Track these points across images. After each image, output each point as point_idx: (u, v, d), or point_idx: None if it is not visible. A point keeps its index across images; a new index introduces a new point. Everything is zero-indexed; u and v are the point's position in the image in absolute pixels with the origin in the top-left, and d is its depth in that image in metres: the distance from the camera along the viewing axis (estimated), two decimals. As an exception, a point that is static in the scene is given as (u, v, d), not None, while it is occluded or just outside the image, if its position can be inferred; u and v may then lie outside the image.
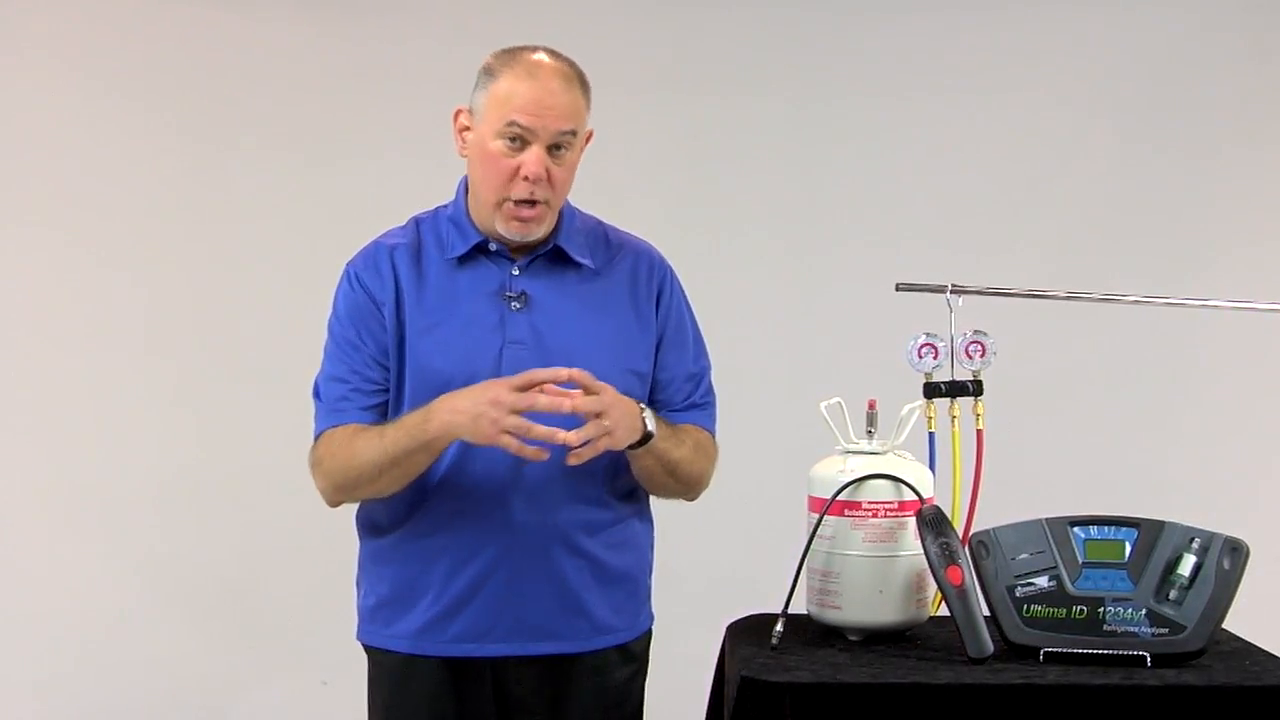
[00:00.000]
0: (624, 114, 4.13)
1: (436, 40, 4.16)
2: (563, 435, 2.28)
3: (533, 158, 2.39)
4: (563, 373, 2.31)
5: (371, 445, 2.40)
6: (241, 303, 4.19)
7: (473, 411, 2.30)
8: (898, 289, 2.84)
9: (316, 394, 2.52)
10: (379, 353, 2.48)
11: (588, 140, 2.51)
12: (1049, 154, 4.30)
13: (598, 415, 2.30)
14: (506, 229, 2.45)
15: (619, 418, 2.34)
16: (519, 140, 2.40)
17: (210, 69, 4.20)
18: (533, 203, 2.42)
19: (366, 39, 4.23)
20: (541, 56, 2.44)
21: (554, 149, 2.41)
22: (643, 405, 2.43)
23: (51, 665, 4.14)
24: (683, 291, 2.62)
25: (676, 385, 2.58)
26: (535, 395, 2.29)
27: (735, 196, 4.28)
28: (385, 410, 2.48)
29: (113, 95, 4.18)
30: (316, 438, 2.50)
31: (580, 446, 2.30)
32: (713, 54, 4.28)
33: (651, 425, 2.41)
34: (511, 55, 2.44)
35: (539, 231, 2.46)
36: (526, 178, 2.39)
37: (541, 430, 2.28)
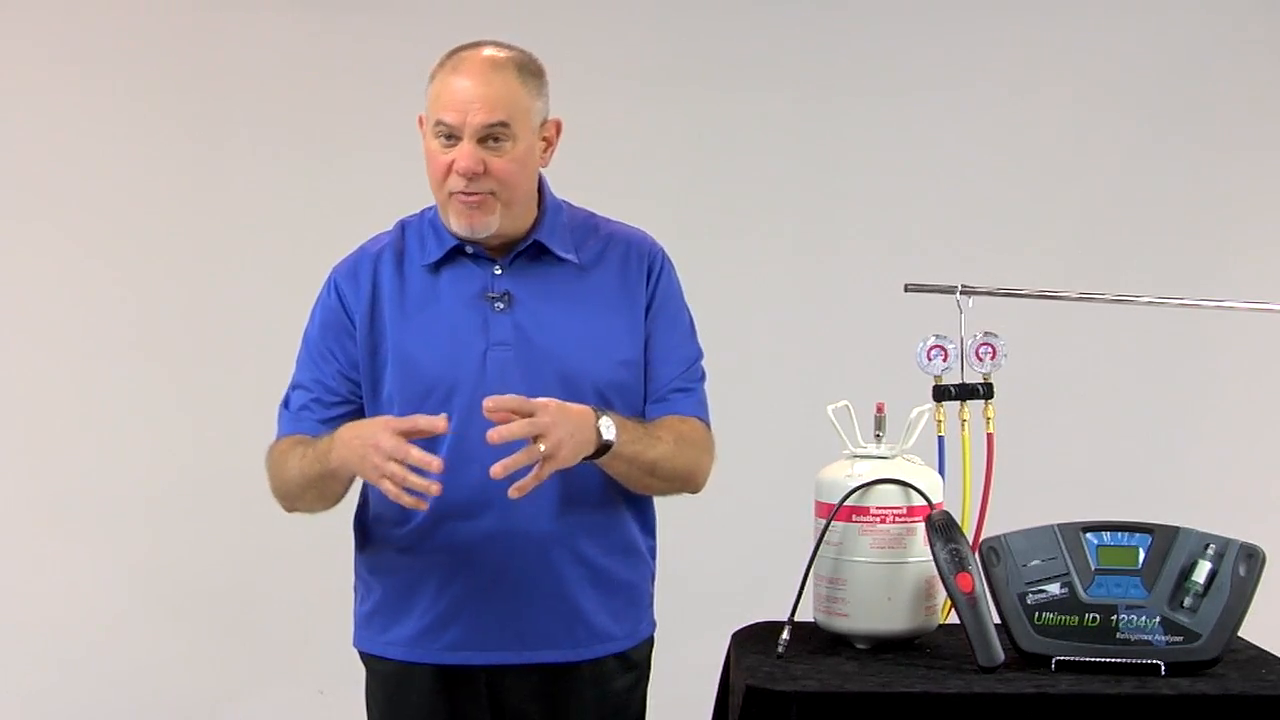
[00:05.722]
0: (630, 111, 4.16)
1: (435, 39, 4.11)
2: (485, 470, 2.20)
3: (462, 153, 2.36)
4: (441, 424, 2.23)
5: (294, 464, 2.41)
6: (236, 305, 4.17)
7: (359, 452, 2.27)
8: (906, 290, 2.82)
9: (285, 400, 2.53)
10: (348, 366, 2.47)
11: (558, 131, 2.46)
12: (1061, 153, 4.27)
13: (535, 438, 2.21)
14: (456, 224, 2.40)
15: (561, 438, 2.23)
16: (451, 138, 2.37)
17: (205, 68, 4.18)
18: (477, 192, 2.37)
19: (364, 38, 4.21)
20: (470, 51, 2.41)
21: (489, 140, 2.37)
22: (602, 411, 2.33)
23: (44, 674, 4.11)
24: (676, 279, 2.56)
25: (663, 367, 2.49)
26: (409, 447, 2.20)
27: (742, 196, 4.25)
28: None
29: (107, 94, 4.16)
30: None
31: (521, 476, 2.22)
32: (720, 51, 4.26)
33: (610, 434, 2.31)
34: (447, 55, 2.43)
35: (489, 223, 2.40)
36: (459, 173, 2.37)
37: (417, 480, 2.21)
